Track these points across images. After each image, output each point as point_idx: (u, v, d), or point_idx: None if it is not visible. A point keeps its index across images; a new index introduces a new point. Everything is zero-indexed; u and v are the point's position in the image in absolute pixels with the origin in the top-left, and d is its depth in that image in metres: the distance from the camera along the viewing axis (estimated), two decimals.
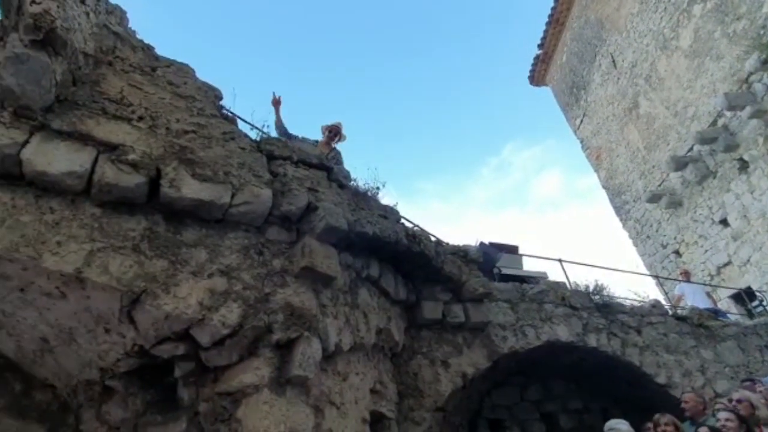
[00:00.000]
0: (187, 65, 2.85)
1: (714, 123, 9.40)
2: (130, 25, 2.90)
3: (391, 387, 3.64)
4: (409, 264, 3.77)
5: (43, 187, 2.04)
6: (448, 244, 4.35)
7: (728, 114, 9.02)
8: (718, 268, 9.78)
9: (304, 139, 4.56)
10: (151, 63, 2.70)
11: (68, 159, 2.05)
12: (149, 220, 2.22)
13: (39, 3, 1.93)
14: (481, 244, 5.61)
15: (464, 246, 4.39)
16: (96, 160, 2.10)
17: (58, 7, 1.98)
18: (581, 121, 14.06)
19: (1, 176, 1.99)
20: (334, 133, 4.68)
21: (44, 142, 2.03)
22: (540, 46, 14.73)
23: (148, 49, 2.77)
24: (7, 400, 2.42)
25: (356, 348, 3.03)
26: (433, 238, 4.18)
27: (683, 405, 3.99)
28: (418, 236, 3.73)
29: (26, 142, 2.00)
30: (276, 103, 4.52)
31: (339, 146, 4.70)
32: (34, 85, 1.99)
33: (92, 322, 2.15)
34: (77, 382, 2.40)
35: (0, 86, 1.98)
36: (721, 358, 5.48)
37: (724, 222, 9.57)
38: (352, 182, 3.20)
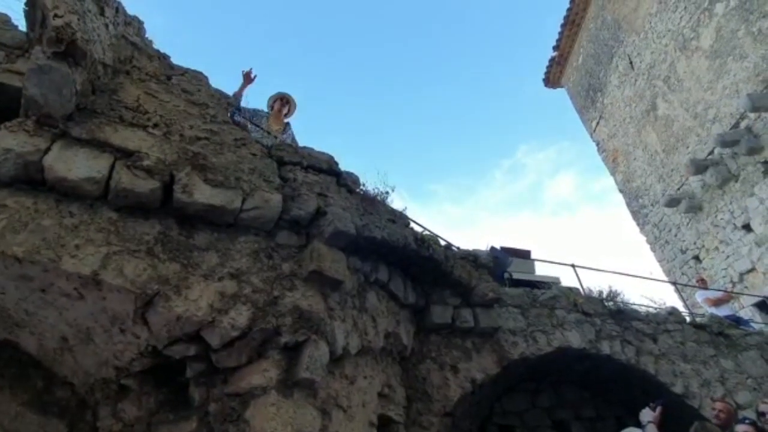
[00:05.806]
0: (200, 73, 2.93)
1: (736, 125, 9.13)
2: (146, 35, 3.00)
3: (400, 391, 3.65)
4: (418, 268, 3.78)
5: (64, 192, 2.12)
6: (458, 248, 4.34)
7: (752, 116, 8.74)
8: (741, 275, 9.48)
9: (255, 111, 4.04)
10: (166, 71, 2.78)
11: (87, 165, 2.13)
12: (163, 224, 2.29)
13: (61, 16, 2.02)
14: (492, 248, 5.57)
15: (474, 250, 4.37)
16: (113, 166, 2.18)
17: (78, 20, 2.07)
18: (597, 123, 13.83)
19: (25, 182, 2.08)
20: (284, 102, 4.11)
21: (65, 149, 2.12)
22: (555, 48, 14.56)
23: (163, 58, 2.85)
24: (30, 395, 2.52)
25: (364, 351, 3.05)
26: (443, 242, 4.18)
27: (718, 414, 3.74)
28: (426, 240, 3.74)
29: (48, 149, 2.09)
30: (248, 78, 4.03)
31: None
32: (55, 94, 2.08)
33: (108, 323, 2.23)
34: (94, 380, 2.48)
35: (24, 96, 2.09)
36: (742, 369, 5.31)
37: (747, 227, 9.28)
38: (361, 187, 3.23)
